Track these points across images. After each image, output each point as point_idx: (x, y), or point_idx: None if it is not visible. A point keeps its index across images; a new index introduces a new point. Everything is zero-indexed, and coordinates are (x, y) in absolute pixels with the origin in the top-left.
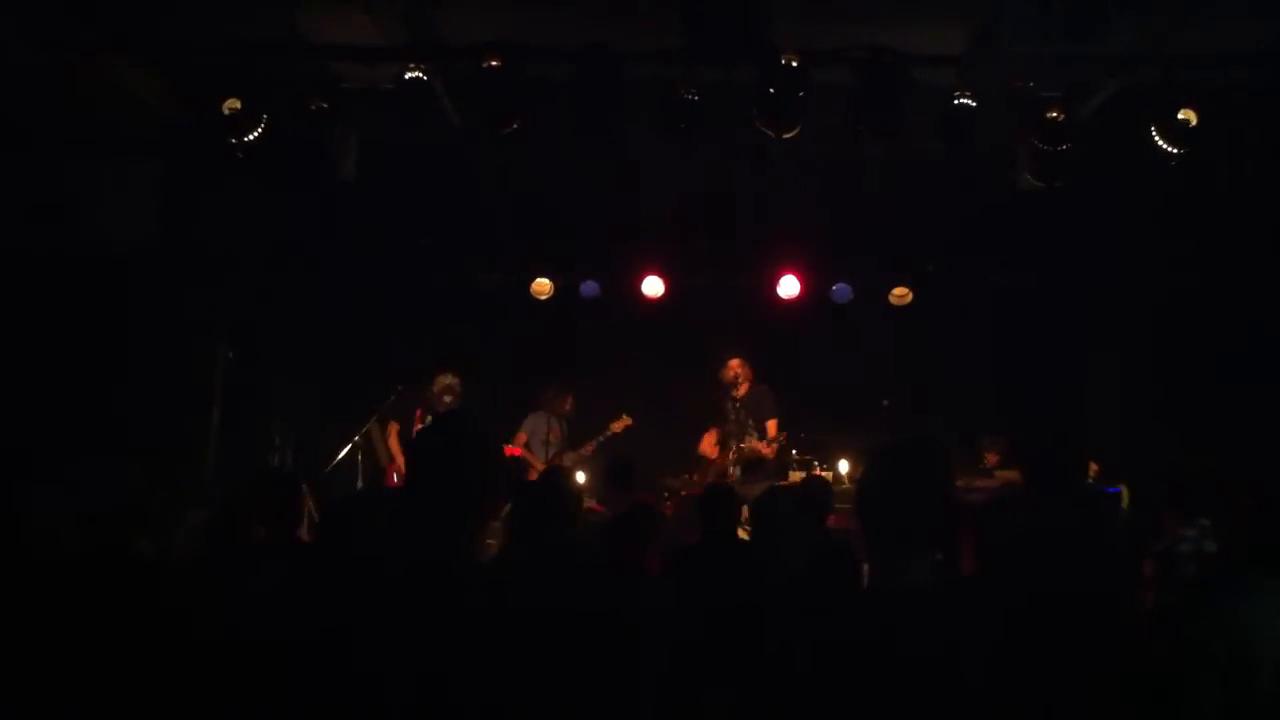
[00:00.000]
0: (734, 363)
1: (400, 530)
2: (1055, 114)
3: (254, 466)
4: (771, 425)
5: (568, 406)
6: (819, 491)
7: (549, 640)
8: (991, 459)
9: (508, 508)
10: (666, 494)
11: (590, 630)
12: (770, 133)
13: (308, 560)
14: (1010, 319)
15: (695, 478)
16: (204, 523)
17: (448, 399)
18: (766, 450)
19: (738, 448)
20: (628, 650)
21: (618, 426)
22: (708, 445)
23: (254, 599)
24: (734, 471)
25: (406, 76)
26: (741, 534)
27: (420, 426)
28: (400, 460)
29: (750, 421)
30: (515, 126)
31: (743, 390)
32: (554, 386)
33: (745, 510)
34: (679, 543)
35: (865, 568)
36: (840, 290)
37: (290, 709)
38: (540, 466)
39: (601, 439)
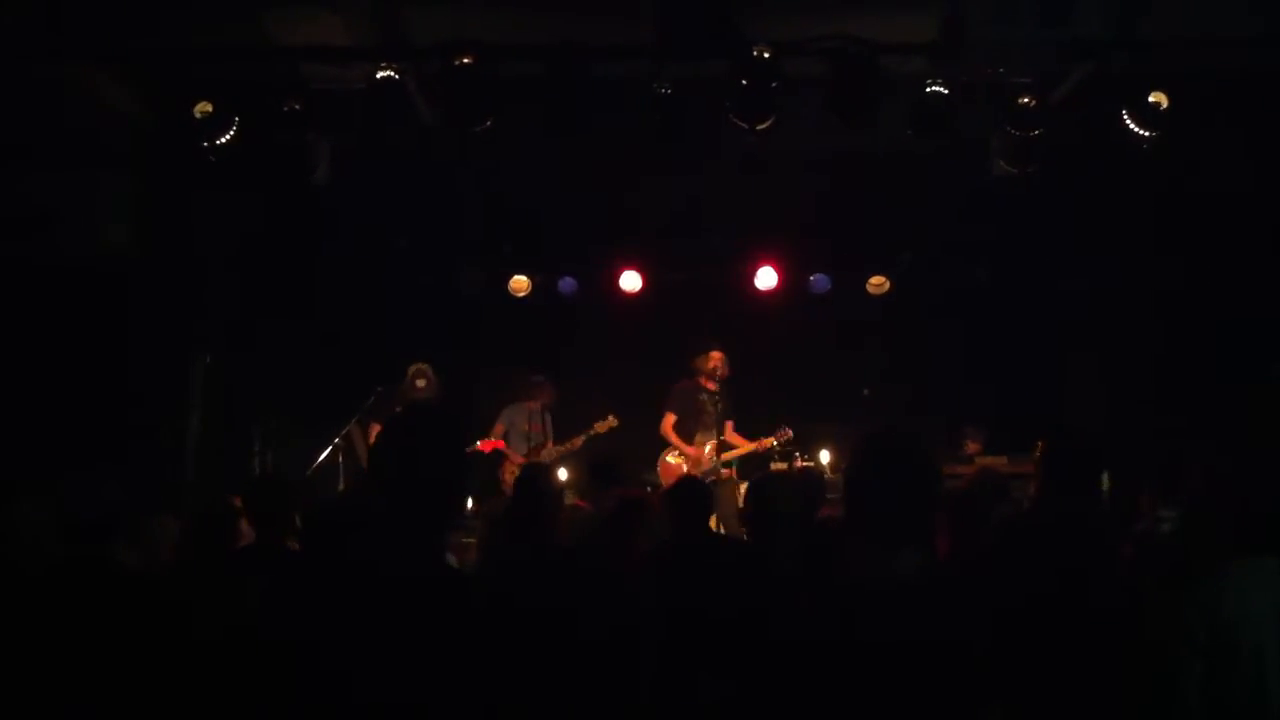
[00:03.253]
0: (718, 355)
1: (372, 531)
2: (1027, 100)
3: (234, 471)
4: (729, 425)
5: (548, 397)
6: (812, 483)
7: (541, 640)
8: (973, 447)
9: (485, 507)
10: (650, 488)
11: (582, 628)
12: (744, 125)
13: (294, 565)
14: (989, 306)
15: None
16: (187, 529)
17: (420, 383)
18: (761, 444)
19: (718, 444)
20: (621, 647)
21: (602, 427)
22: (669, 427)
23: (243, 605)
24: (726, 471)
25: (378, 76)
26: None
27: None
28: None
29: (719, 419)
30: (488, 124)
31: (715, 385)
32: (533, 377)
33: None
34: (660, 538)
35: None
36: (818, 281)
37: (280, 713)
38: (519, 460)
39: (588, 436)
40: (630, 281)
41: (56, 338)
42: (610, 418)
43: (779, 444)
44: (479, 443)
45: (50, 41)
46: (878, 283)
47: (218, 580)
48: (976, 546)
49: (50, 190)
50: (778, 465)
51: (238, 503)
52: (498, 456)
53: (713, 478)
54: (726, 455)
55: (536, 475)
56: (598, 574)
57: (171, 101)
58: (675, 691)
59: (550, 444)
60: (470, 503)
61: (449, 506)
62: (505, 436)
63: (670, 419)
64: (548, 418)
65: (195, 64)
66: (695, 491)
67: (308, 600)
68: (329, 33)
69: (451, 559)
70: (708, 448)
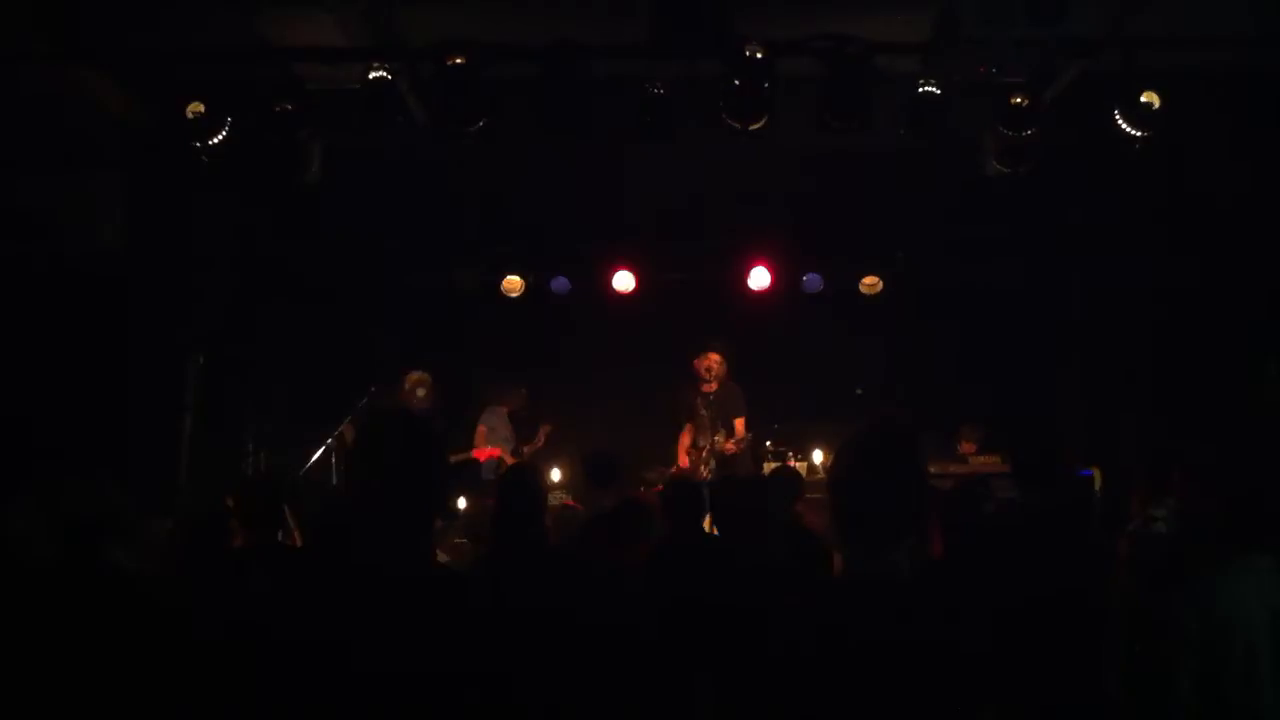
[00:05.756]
0: (714, 356)
1: (364, 535)
2: (1020, 99)
3: (227, 473)
4: (739, 424)
5: (521, 401)
6: (787, 481)
7: (537, 639)
8: (968, 448)
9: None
10: (643, 489)
11: (579, 628)
12: (737, 125)
13: (291, 565)
14: (982, 305)
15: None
16: (179, 530)
17: (420, 392)
18: (733, 448)
19: (711, 445)
20: (617, 646)
21: (545, 432)
22: (684, 446)
23: (239, 605)
24: (705, 471)
25: (371, 76)
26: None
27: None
28: None
29: (719, 420)
30: (481, 124)
31: (714, 386)
32: (508, 381)
33: None
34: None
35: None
36: (811, 280)
37: (276, 713)
38: (510, 461)
39: (541, 439)
40: (623, 281)
41: (50, 338)
42: (544, 425)
43: (765, 445)
44: (473, 450)
45: (45, 44)
46: (871, 282)
47: (211, 580)
48: (965, 547)
49: (45, 191)
50: (769, 466)
51: (231, 503)
52: (492, 463)
53: (701, 478)
54: (720, 446)
55: (525, 476)
56: (593, 573)
57: (165, 102)
58: (670, 690)
59: (524, 446)
60: (463, 504)
61: (426, 508)
62: (486, 437)
63: (689, 429)
64: (513, 421)
65: (188, 64)
66: (689, 492)
67: (311, 600)
68: (323, 33)
69: (444, 558)
70: (704, 453)
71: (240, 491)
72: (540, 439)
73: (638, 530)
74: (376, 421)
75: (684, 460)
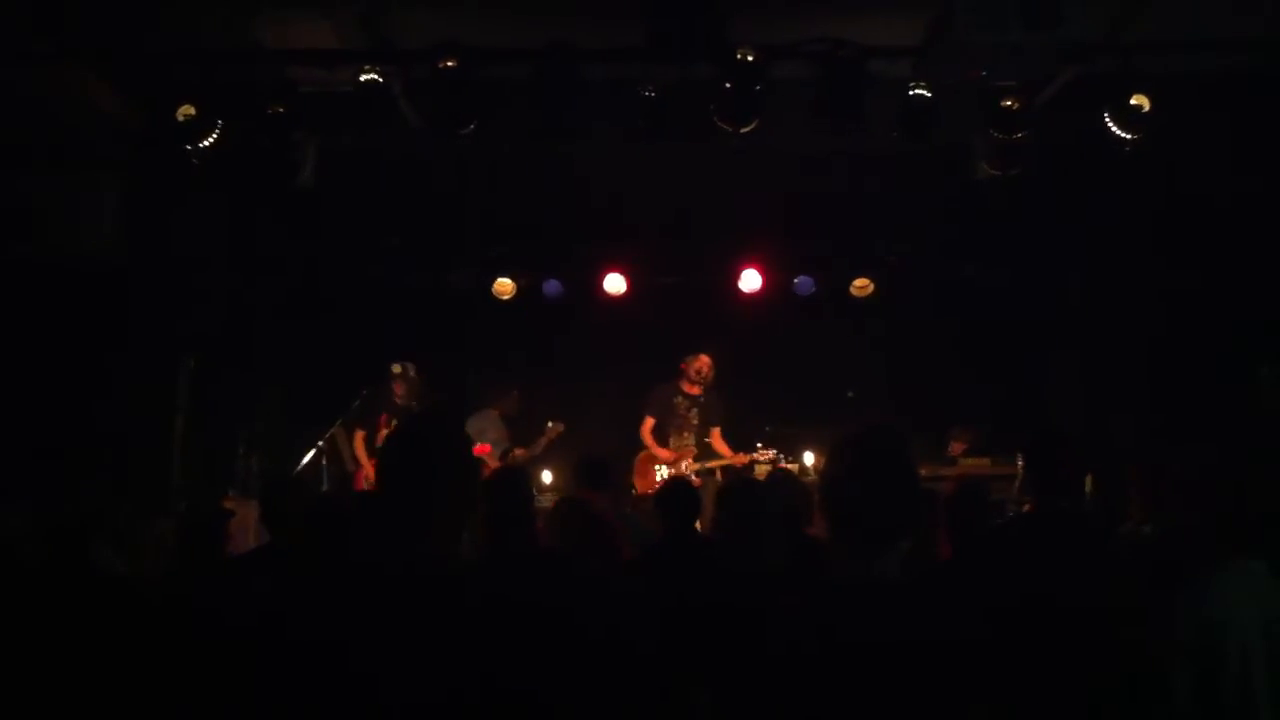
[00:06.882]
0: (705, 359)
1: (377, 533)
2: (1010, 102)
3: (219, 475)
4: (716, 432)
5: (514, 404)
6: (787, 485)
7: (536, 640)
8: (957, 449)
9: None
10: (634, 491)
11: (575, 628)
12: (729, 128)
13: (292, 565)
14: (973, 308)
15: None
16: (178, 531)
17: (396, 370)
18: (744, 460)
19: (696, 449)
20: (613, 647)
21: (554, 433)
22: (651, 441)
23: (239, 604)
24: (695, 477)
25: (363, 79)
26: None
27: (387, 432)
28: (368, 467)
29: (697, 423)
30: (473, 127)
31: (699, 389)
32: (500, 384)
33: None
34: (646, 540)
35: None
36: (802, 283)
37: (275, 713)
38: (494, 464)
39: (547, 440)
40: (614, 284)
41: (44, 338)
42: (555, 423)
43: (761, 462)
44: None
45: (41, 45)
46: (862, 284)
47: (210, 580)
48: (973, 549)
49: (39, 192)
50: (762, 470)
51: (228, 505)
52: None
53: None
54: (711, 464)
55: (514, 477)
56: (588, 574)
57: (159, 104)
58: (668, 691)
59: (517, 449)
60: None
61: (459, 505)
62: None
63: (649, 422)
64: (506, 424)
65: (182, 67)
66: (684, 492)
67: (310, 600)
68: (317, 36)
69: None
70: (686, 459)
71: (269, 493)
72: (544, 441)
73: (583, 531)
74: (413, 420)
75: (671, 457)
